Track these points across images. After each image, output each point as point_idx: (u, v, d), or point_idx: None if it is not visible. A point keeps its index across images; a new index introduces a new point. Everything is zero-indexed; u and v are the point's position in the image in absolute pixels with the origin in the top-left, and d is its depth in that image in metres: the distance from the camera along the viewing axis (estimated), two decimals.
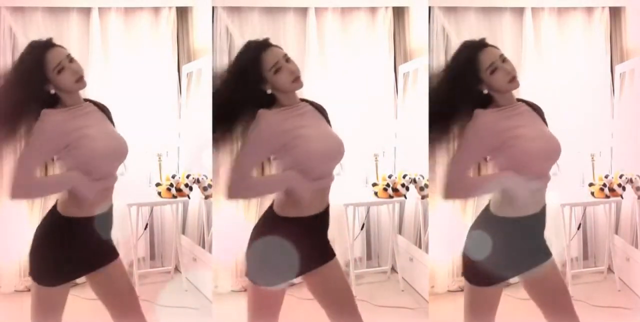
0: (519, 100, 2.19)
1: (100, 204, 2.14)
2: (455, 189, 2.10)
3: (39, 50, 2.06)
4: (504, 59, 2.09)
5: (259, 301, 2.18)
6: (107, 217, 2.20)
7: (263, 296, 2.17)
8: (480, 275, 2.16)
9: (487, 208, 2.18)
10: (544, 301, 2.16)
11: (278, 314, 2.20)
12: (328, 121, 2.29)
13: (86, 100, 2.19)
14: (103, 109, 2.22)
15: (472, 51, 2.10)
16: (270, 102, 2.12)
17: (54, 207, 2.13)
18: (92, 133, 2.07)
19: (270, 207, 2.18)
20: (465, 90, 2.09)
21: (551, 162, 2.14)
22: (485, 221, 2.17)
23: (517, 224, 2.11)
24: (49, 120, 2.02)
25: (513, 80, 2.08)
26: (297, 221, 2.14)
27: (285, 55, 2.09)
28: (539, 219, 2.15)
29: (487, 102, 2.12)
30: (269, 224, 2.16)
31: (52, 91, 2.07)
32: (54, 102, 2.09)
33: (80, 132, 2.05)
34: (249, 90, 2.07)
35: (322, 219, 2.22)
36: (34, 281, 2.14)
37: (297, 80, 2.10)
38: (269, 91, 2.09)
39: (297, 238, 2.11)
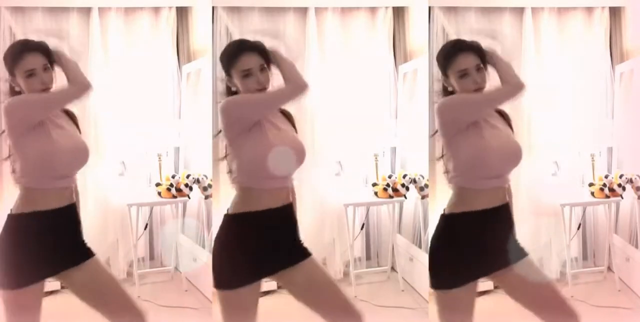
0: None
1: (46, 202, 2.13)
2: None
3: (20, 50, 2.13)
4: (479, 68, 2.12)
5: (231, 307, 2.16)
6: (69, 216, 2.20)
7: (234, 302, 2.15)
8: (445, 277, 2.15)
9: (442, 213, 2.20)
10: (530, 302, 2.14)
11: (255, 319, 2.18)
12: (293, 125, 2.25)
13: None
14: (69, 114, 2.26)
15: (453, 50, 2.15)
16: None
17: (10, 210, 2.15)
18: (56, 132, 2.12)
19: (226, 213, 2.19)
20: (441, 79, 2.19)
21: (509, 164, 2.15)
22: (441, 222, 2.19)
23: (472, 219, 2.12)
24: (22, 97, 2.11)
25: (478, 91, 2.13)
26: (247, 215, 2.12)
27: (263, 65, 2.12)
28: (499, 214, 2.15)
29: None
30: (222, 226, 2.16)
31: (17, 89, 2.14)
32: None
33: (48, 124, 2.11)
34: (226, 85, 2.16)
35: (281, 215, 2.17)
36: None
37: (261, 92, 2.12)
38: (234, 89, 2.14)
39: (252, 236, 2.11)
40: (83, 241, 2.22)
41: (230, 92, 2.17)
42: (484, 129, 2.12)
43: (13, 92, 2.17)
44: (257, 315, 2.17)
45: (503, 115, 2.26)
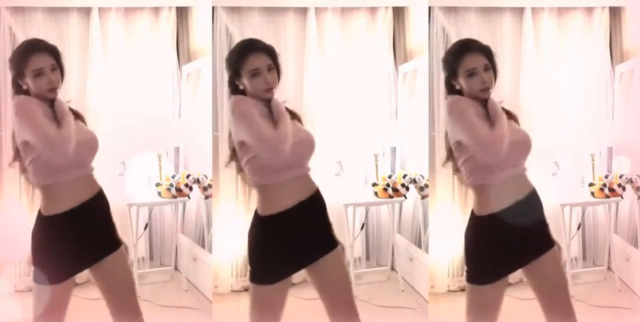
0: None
1: (71, 197, 2.16)
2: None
3: (29, 50, 2.15)
4: (487, 68, 2.16)
5: (261, 301, 2.18)
6: (98, 207, 2.24)
7: (266, 296, 2.18)
8: (481, 273, 2.18)
9: (472, 212, 2.22)
10: (541, 294, 2.18)
11: (281, 314, 2.20)
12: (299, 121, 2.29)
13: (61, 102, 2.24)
14: (75, 114, 2.27)
15: (461, 49, 2.18)
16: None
17: (39, 210, 2.19)
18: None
19: (255, 211, 2.22)
20: (446, 77, 2.22)
21: (520, 153, 2.17)
22: (472, 223, 2.21)
23: (500, 219, 2.13)
24: (25, 100, 2.14)
25: (484, 91, 2.17)
26: (277, 217, 2.15)
27: (271, 64, 2.16)
28: (524, 207, 2.16)
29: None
30: (255, 225, 2.20)
31: (24, 87, 2.17)
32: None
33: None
34: (232, 84, 2.20)
35: (302, 210, 2.19)
36: (35, 282, 2.17)
37: (269, 91, 2.17)
38: (241, 87, 2.18)
39: (281, 233, 2.15)
40: (113, 229, 2.27)
41: (237, 90, 2.20)
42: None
43: (20, 90, 2.19)
44: (283, 309, 2.21)
45: (506, 112, 2.26)
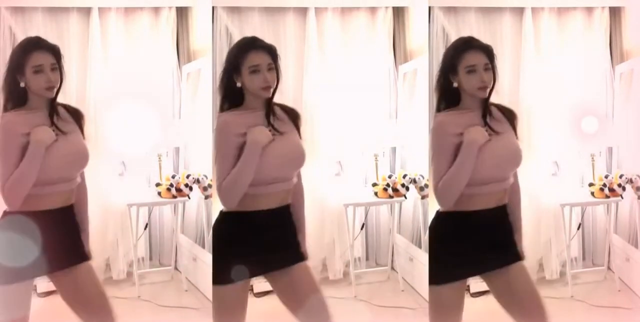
0: (492, 104, 2.23)
1: (49, 200, 2.15)
2: (441, 193, 2.19)
3: (31, 46, 2.15)
4: (487, 68, 2.15)
5: (223, 301, 2.18)
6: (67, 216, 2.21)
7: (226, 295, 2.18)
8: (440, 271, 2.18)
9: (437, 210, 2.24)
10: (511, 308, 2.16)
11: (244, 313, 2.20)
12: (297, 127, 2.27)
13: (60, 104, 2.24)
14: (75, 114, 2.26)
15: (464, 46, 2.18)
16: (240, 98, 2.19)
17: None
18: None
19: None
20: (443, 74, 2.21)
21: (501, 169, 2.16)
22: (435, 219, 2.25)
23: (464, 218, 2.16)
24: (6, 122, 2.11)
25: (482, 89, 2.16)
26: (242, 215, 2.16)
27: (271, 64, 2.15)
28: (495, 216, 2.16)
29: (457, 96, 2.20)
30: (217, 221, 2.21)
31: (22, 85, 2.14)
32: (24, 97, 2.17)
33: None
34: (226, 78, 2.17)
35: (277, 216, 2.20)
36: None
37: (266, 89, 2.15)
38: (239, 84, 2.15)
39: (245, 235, 2.16)
40: (80, 241, 2.24)
41: (233, 89, 2.17)
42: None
43: (11, 103, 2.17)
44: (245, 313, 2.19)
45: (505, 114, 2.25)
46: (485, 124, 2.18)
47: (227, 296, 2.16)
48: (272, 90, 2.17)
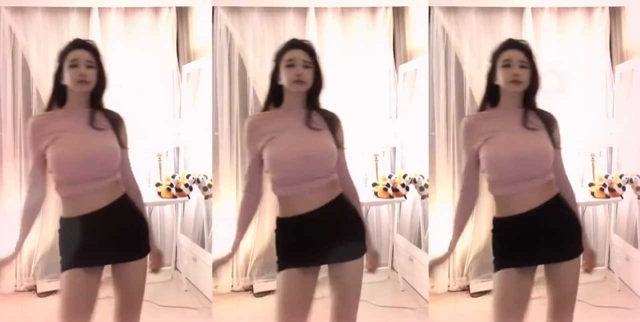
0: (531, 107, 2.30)
1: (79, 205, 2.18)
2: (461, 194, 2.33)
3: (72, 46, 2.24)
4: (522, 65, 2.24)
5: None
6: (102, 216, 2.23)
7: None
8: (508, 258, 2.20)
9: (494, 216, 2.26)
10: (550, 299, 2.21)
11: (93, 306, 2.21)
12: (333, 130, 2.29)
13: (100, 108, 2.33)
14: (113, 121, 2.33)
15: (505, 44, 2.31)
16: (280, 96, 2.26)
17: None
18: (64, 138, 2.16)
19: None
20: (488, 75, 2.30)
21: (533, 168, 2.20)
22: (493, 225, 2.26)
23: (518, 221, 2.18)
24: (31, 124, 2.20)
25: (514, 83, 2.22)
26: (290, 220, 2.24)
27: (307, 62, 2.22)
28: (541, 214, 2.17)
29: (497, 96, 2.28)
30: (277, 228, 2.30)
31: (62, 82, 2.21)
32: (63, 96, 2.23)
33: (55, 135, 2.16)
34: (273, 75, 2.26)
35: (317, 217, 2.25)
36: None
37: (297, 83, 2.20)
38: (279, 82, 2.23)
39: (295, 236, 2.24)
40: (138, 236, 2.34)
41: (275, 82, 2.24)
42: (500, 137, 2.20)
43: (57, 88, 2.22)
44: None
45: (542, 117, 2.34)
46: (524, 124, 2.25)
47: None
48: (305, 86, 2.22)
